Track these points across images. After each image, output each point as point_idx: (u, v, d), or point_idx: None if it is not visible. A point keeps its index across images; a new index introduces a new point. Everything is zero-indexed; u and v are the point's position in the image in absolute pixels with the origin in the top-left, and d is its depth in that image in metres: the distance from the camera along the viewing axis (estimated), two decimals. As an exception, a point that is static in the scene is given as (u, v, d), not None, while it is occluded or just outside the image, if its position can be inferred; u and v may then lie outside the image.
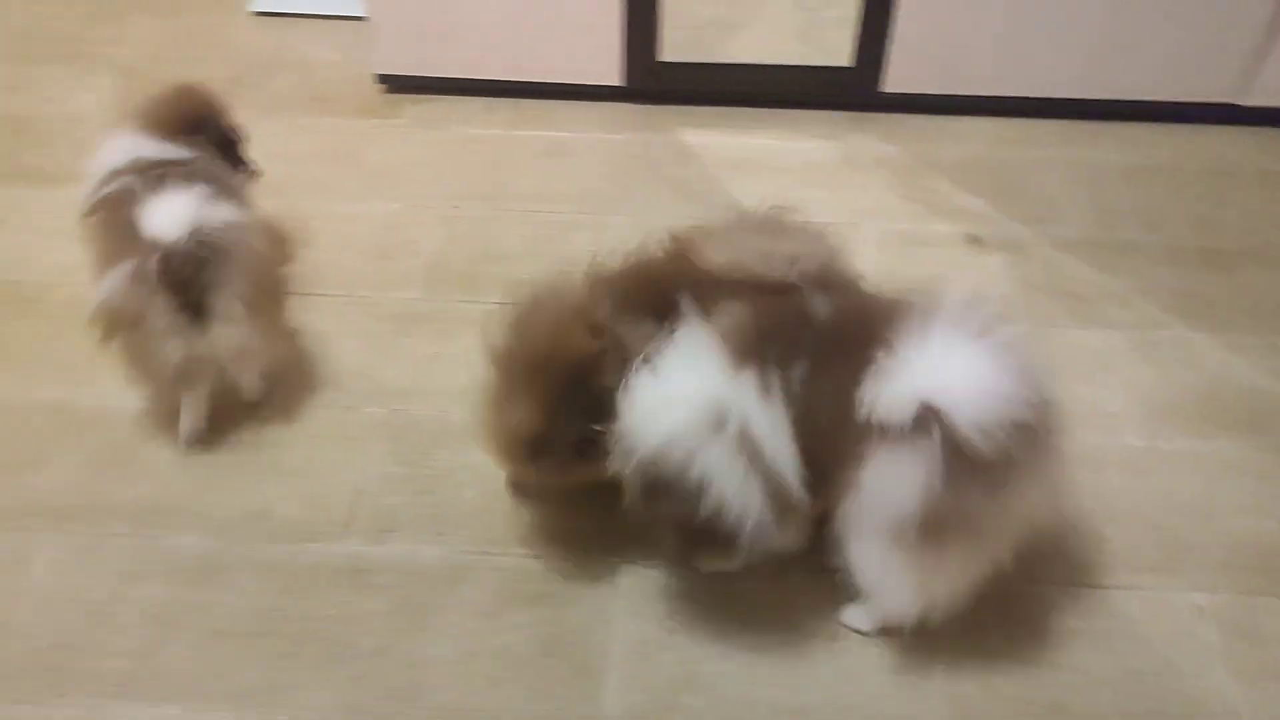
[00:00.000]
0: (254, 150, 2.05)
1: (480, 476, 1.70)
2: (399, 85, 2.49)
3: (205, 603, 1.53)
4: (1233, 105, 2.37)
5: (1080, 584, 1.58)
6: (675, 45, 2.37)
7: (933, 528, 1.30)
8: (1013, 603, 1.54)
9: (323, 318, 1.95)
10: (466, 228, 2.15)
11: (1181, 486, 1.71)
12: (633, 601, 1.53)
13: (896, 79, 2.38)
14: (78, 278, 2.01)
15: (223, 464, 1.71)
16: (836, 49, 2.36)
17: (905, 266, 2.08)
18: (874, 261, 2.09)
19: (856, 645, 1.49)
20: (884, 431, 1.28)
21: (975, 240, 2.15)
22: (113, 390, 1.81)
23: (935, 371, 1.28)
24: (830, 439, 1.34)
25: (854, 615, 1.51)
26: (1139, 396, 1.85)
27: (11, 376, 1.85)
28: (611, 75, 2.40)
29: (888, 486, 1.30)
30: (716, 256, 1.48)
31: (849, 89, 2.41)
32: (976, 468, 1.26)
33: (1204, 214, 2.20)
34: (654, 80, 2.42)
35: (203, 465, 1.71)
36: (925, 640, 1.47)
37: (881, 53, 2.34)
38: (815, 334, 1.38)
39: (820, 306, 1.40)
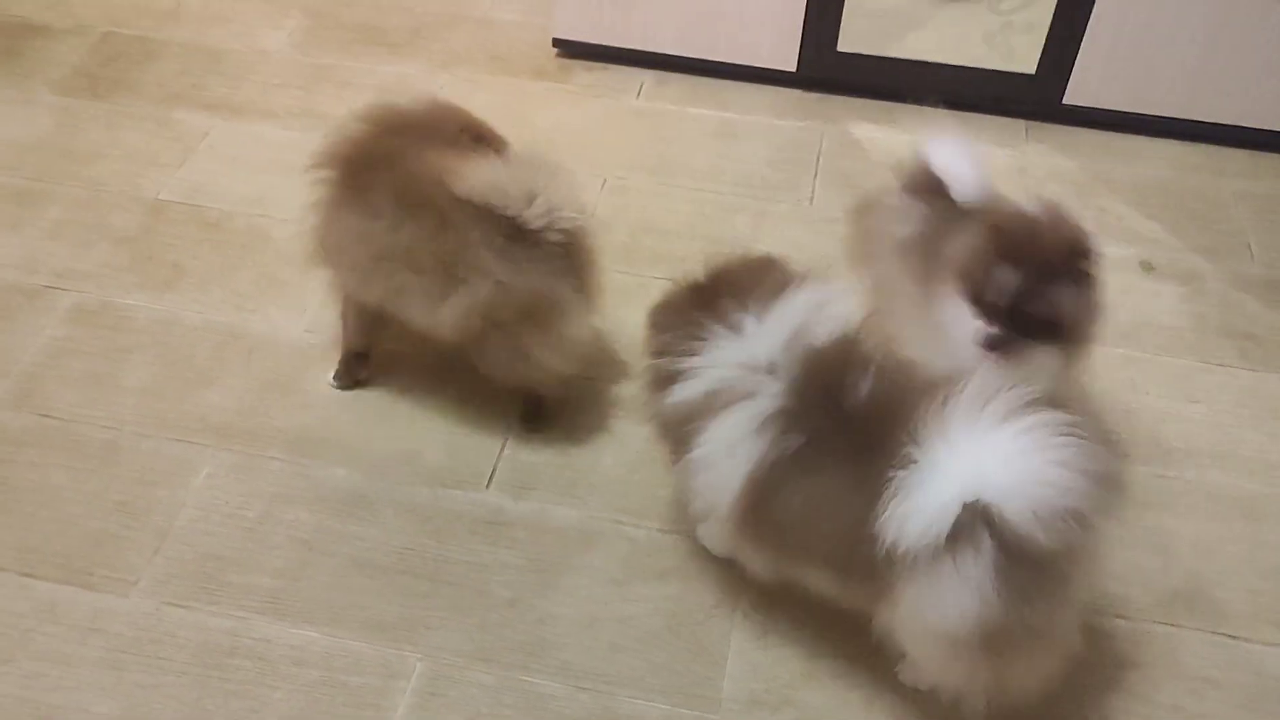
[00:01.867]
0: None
1: (621, 445, 1.73)
2: (574, 51, 2.52)
3: (350, 534, 1.60)
4: None
5: (1222, 633, 1.52)
6: (855, 35, 2.34)
7: (993, 642, 1.18)
8: (1150, 641, 1.50)
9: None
10: (629, 199, 2.18)
11: (1349, 549, 1.63)
12: (758, 590, 1.54)
13: (1080, 91, 2.31)
14: (257, 208, 2.12)
15: (378, 404, 1.78)
16: (1023, 55, 2.30)
17: (1070, 286, 2.02)
18: (1038, 277, 2.04)
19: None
20: (918, 548, 1.15)
21: (1148, 267, 2.07)
22: (282, 320, 1.91)
23: (974, 467, 1.15)
24: (841, 541, 1.24)
25: (910, 674, 1.41)
26: (1310, 448, 1.77)
27: (189, 297, 1.95)
28: (788, 60, 2.39)
29: (934, 605, 1.18)
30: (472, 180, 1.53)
31: (1030, 97, 2.34)
32: (1035, 568, 1.14)
33: (1400, 265, 2.08)
34: (829, 69, 2.39)
35: (359, 402, 1.78)
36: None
37: (1068, 63, 2.27)
38: (845, 415, 1.26)
39: (861, 386, 1.27)
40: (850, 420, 1.26)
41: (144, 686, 1.42)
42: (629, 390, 1.80)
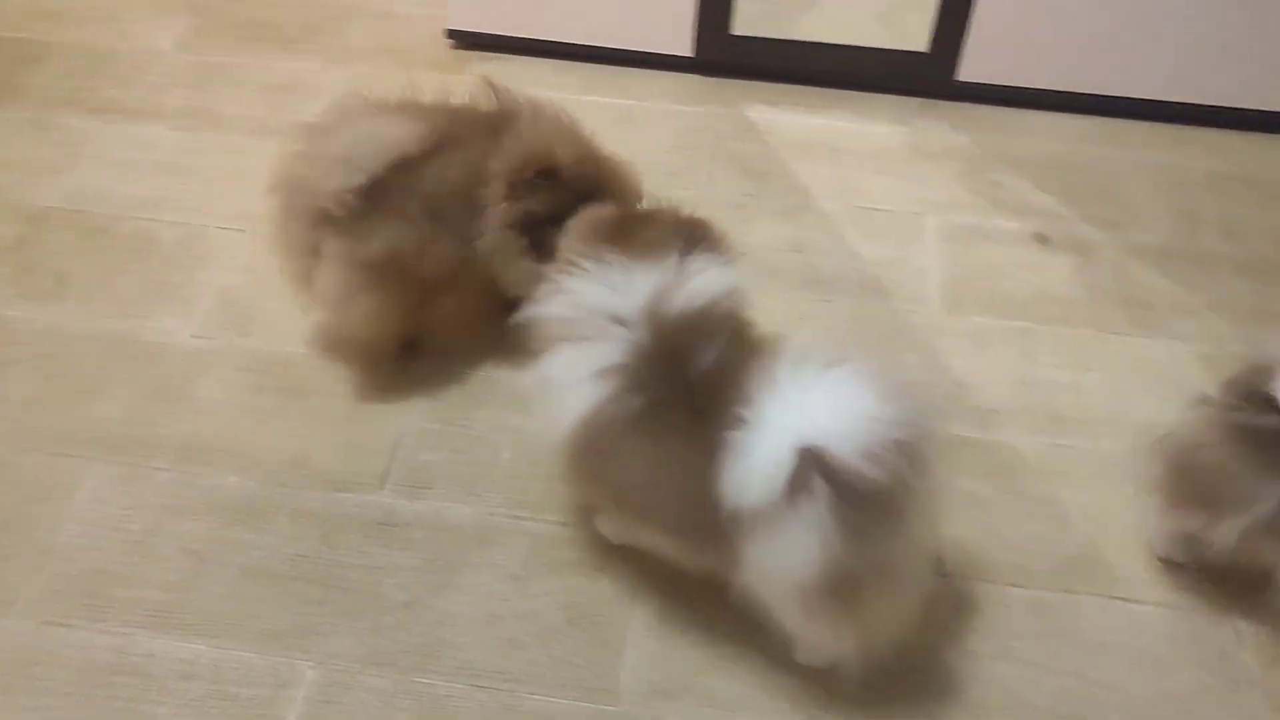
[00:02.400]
0: (320, 100, 2.07)
1: (520, 439, 1.71)
2: (470, 42, 2.48)
3: (241, 543, 1.56)
4: (1329, 117, 2.28)
5: (1115, 596, 1.54)
6: (749, 19, 2.33)
7: (842, 586, 1.21)
8: (1046, 609, 1.52)
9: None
10: (527, 190, 2.15)
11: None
12: (659, 579, 1.53)
13: (973, 68, 2.32)
14: (144, 212, 2.06)
15: (267, 409, 1.74)
16: (915, 33, 2.31)
17: (967, 261, 2.04)
18: (935, 253, 2.06)
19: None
20: (758, 504, 1.19)
21: (1043, 239, 2.09)
22: (171, 326, 1.86)
23: (802, 416, 1.20)
24: (683, 507, 1.28)
25: (802, 654, 1.41)
26: (1199, 413, 1.79)
27: (75, 306, 1.89)
28: (683, 45, 2.38)
29: (781, 557, 1.21)
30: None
31: (923, 75, 2.36)
32: (870, 505, 1.17)
33: (1287, 229, 2.13)
34: (725, 53, 2.38)
35: (250, 409, 1.74)
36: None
37: (959, 40, 2.28)
38: (689, 383, 1.29)
39: (707, 356, 1.30)
40: (693, 389, 1.28)
41: (26, 709, 1.37)
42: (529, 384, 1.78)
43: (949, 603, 1.52)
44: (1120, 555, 1.59)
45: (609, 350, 1.32)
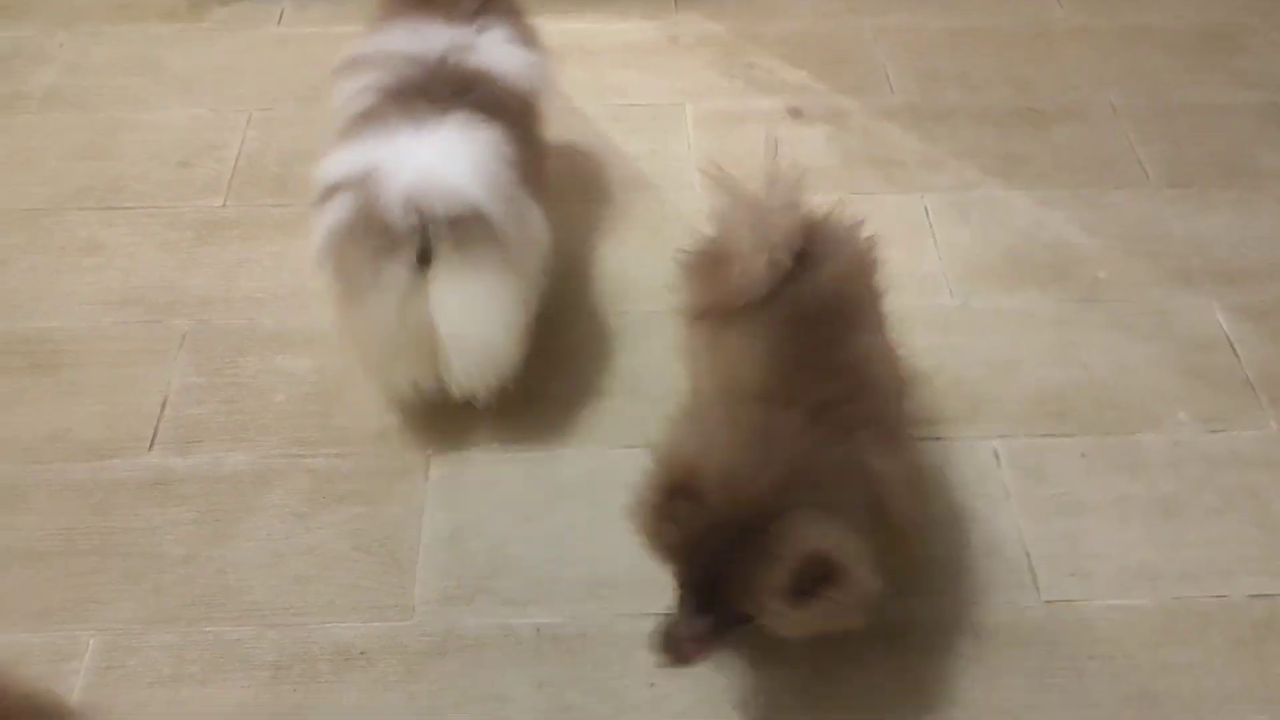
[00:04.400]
0: (52, 63, 1.96)
1: (291, 381, 1.68)
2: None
3: (2, 526, 1.49)
4: (1050, -36, 2.38)
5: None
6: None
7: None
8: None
9: (121, 232, 1.88)
10: (278, 130, 2.08)
11: (988, 341, 1.75)
12: (443, 493, 1.53)
13: (718, -46, 2.34)
14: None
15: (18, 390, 1.66)
16: (651, -75, 2.31)
17: (727, 144, 2.07)
18: (695, 141, 2.08)
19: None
20: None
21: (796, 113, 2.14)
22: (-103, 320, 1.75)
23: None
24: None
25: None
26: (953, 257, 1.88)
27: None
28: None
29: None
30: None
31: (671, -33, 2.35)
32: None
33: (1022, 74, 2.22)
34: (470, -33, 2.33)
35: (-4, 390, 1.66)
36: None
37: (700, -73, 2.29)
38: None
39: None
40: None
41: None
42: (295, 324, 1.74)
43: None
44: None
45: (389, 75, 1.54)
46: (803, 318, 1.30)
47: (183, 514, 1.51)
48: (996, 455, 1.59)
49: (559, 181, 1.99)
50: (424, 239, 1.41)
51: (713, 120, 2.12)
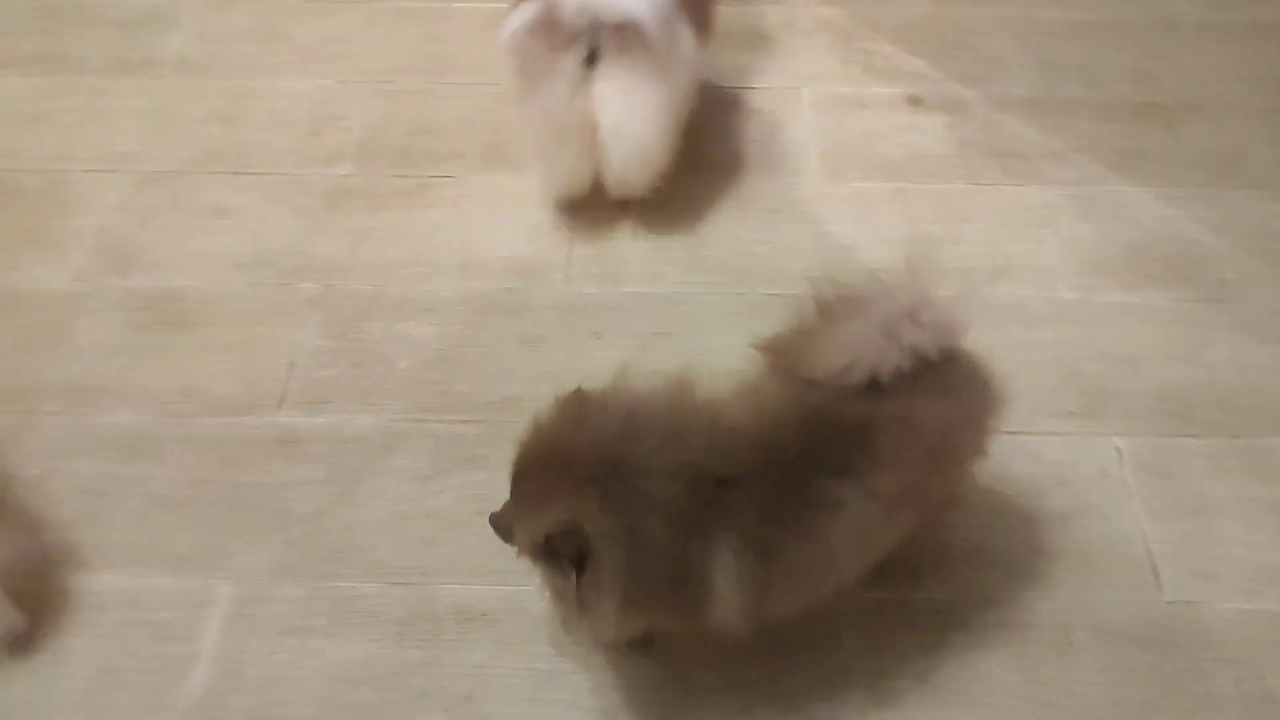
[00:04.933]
0: (181, 29, 2.01)
1: (413, 347, 1.71)
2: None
3: (139, 476, 1.55)
4: (1179, -43, 2.33)
5: (1002, 430, 1.60)
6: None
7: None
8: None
9: (253, 196, 1.93)
10: (400, 102, 2.12)
11: (1110, 337, 1.73)
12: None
13: (838, -61, 2.33)
14: (3, 164, 2.00)
15: (153, 345, 1.71)
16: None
17: (844, 129, 2.06)
18: (813, 125, 2.08)
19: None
20: None
21: (915, 101, 2.12)
22: (43, 273, 1.81)
23: None
24: None
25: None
26: (1074, 251, 1.86)
27: (-60, 263, 1.83)
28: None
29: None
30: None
31: (790, -50, 2.35)
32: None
33: (1146, 69, 2.18)
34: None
35: (132, 346, 1.71)
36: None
37: (821, -89, 2.29)
38: None
39: None
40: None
41: (-65, 659, 1.37)
42: (418, 293, 1.78)
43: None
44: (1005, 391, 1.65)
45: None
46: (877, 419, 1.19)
47: (311, 472, 1.56)
48: (1119, 452, 1.57)
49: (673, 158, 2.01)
50: (592, 40, 1.67)
51: (829, 105, 2.11)
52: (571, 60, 1.68)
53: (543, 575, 1.21)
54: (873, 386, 1.18)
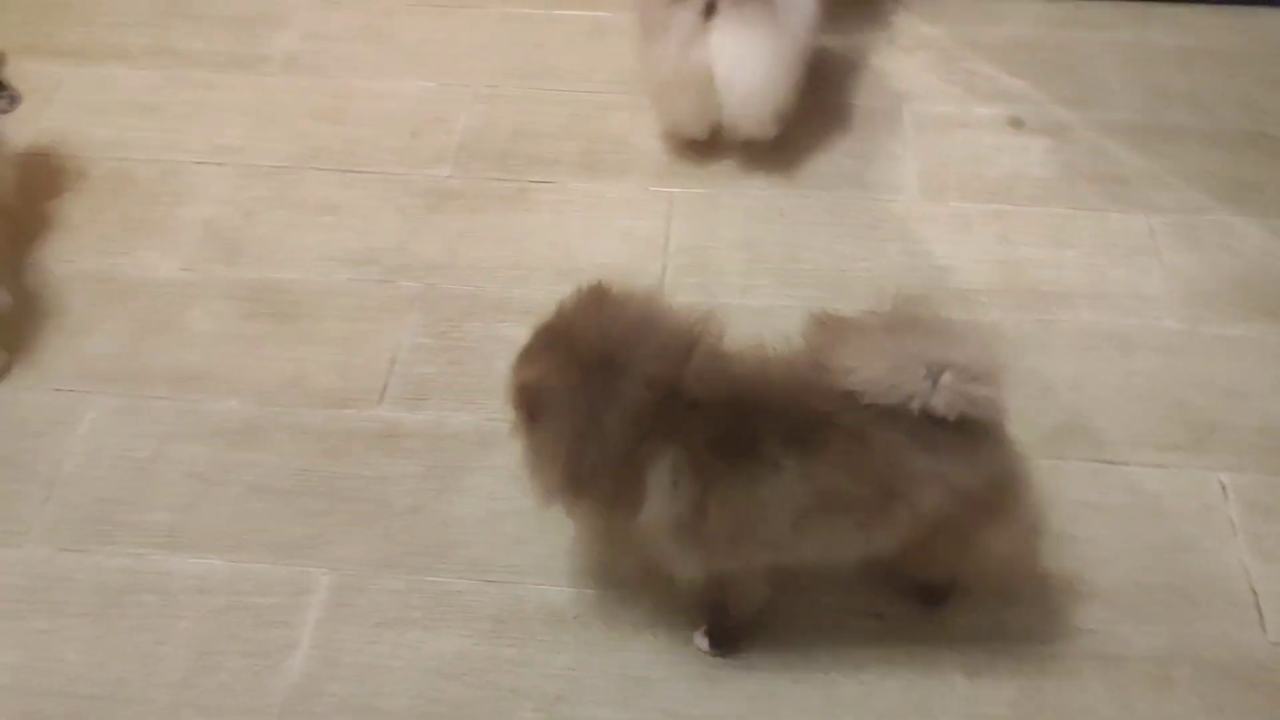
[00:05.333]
0: (290, 28, 2.06)
1: (510, 348, 1.72)
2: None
3: (244, 462, 1.59)
4: (1292, -14, 2.29)
5: (1102, 460, 1.58)
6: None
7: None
8: (1034, 475, 1.55)
9: (356, 194, 1.97)
10: (502, 107, 2.15)
11: (1215, 369, 1.70)
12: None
13: (942, -43, 2.32)
14: (118, 152, 2.06)
15: (259, 334, 1.75)
16: (880, -75, 2.30)
17: (944, 148, 2.05)
18: (912, 143, 2.07)
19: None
20: None
21: (1017, 123, 2.10)
22: (154, 261, 1.87)
23: None
24: None
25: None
26: (1178, 280, 1.83)
27: (59, 247, 1.89)
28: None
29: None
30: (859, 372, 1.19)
31: (893, -33, 2.35)
32: None
33: (1255, 97, 2.14)
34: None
35: (239, 336, 1.75)
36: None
37: (927, -71, 2.28)
38: None
39: None
40: None
41: (44, 631, 1.41)
42: (516, 295, 1.80)
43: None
44: (1105, 420, 1.63)
45: None
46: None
47: (410, 467, 1.58)
48: (1223, 487, 1.54)
49: (768, 168, 2.01)
50: None
51: (929, 124, 2.10)
52: (689, 12, 1.78)
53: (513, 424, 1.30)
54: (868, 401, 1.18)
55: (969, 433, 1.19)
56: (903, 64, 2.23)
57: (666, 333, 1.25)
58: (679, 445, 1.20)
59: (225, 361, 1.72)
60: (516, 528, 1.51)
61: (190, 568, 1.47)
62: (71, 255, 1.88)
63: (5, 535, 1.51)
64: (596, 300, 1.28)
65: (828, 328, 1.27)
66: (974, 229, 1.91)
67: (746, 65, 1.82)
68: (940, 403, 1.16)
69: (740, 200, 1.96)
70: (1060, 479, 1.56)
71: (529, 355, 1.29)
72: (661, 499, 1.21)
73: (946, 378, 1.16)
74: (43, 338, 1.75)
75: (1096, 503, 1.54)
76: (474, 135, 2.08)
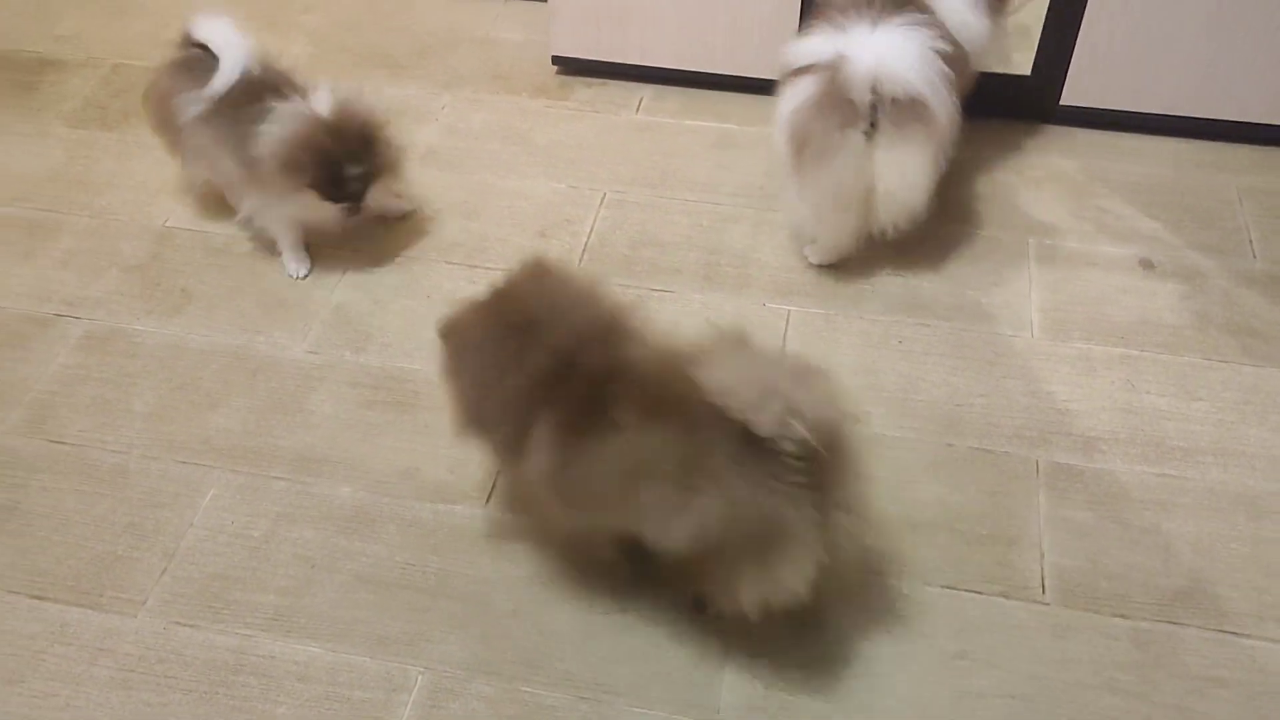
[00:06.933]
0: (433, 123, 2.14)
1: (620, 458, 1.74)
2: (572, 68, 2.54)
3: (353, 550, 1.62)
4: None
5: (1225, 630, 1.52)
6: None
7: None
8: (1150, 640, 1.50)
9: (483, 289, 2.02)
10: (628, 213, 2.19)
11: (1351, 543, 1.62)
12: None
13: (1077, 91, 2.31)
14: (261, 232, 2.15)
15: (379, 422, 1.80)
16: (1018, 58, 2.30)
17: (1070, 286, 2.02)
18: (1038, 278, 2.04)
19: (982, 667, 1.47)
20: None
21: (1148, 265, 2.06)
22: (285, 341, 1.94)
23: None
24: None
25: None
26: (1314, 443, 1.76)
27: (196, 321, 1.98)
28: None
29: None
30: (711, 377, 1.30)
31: (1027, 99, 2.35)
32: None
33: (1405, 256, 2.07)
34: (826, 78, 2.42)
35: (360, 421, 1.80)
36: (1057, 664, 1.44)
37: (1063, 64, 2.27)
38: None
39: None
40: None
41: (151, 705, 1.45)
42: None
43: (1051, 631, 1.51)
44: (1229, 589, 1.56)
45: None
46: None
47: (512, 570, 1.60)
48: (1357, 675, 1.46)
49: (889, 295, 2.00)
50: (874, 113, 1.82)
51: (1056, 259, 2.07)
52: (858, 133, 1.85)
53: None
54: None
55: (784, 466, 1.27)
56: (1032, 195, 2.22)
57: (592, 312, 1.44)
58: (559, 407, 1.37)
59: (344, 446, 1.76)
60: (611, 647, 1.51)
61: (293, 653, 1.50)
62: (208, 329, 1.96)
63: (124, 604, 1.56)
64: (539, 272, 1.49)
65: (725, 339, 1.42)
66: (1098, 372, 1.87)
67: (908, 180, 1.90)
68: (765, 424, 1.25)
69: (858, 324, 1.96)
70: (1177, 647, 1.50)
71: (469, 303, 1.49)
72: (539, 453, 1.38)
73: (778, 404, 1.25)
74: (175, 410, 1.82)
75: (1218, 677, 1.47)
76: (599, 239, 2.13)
